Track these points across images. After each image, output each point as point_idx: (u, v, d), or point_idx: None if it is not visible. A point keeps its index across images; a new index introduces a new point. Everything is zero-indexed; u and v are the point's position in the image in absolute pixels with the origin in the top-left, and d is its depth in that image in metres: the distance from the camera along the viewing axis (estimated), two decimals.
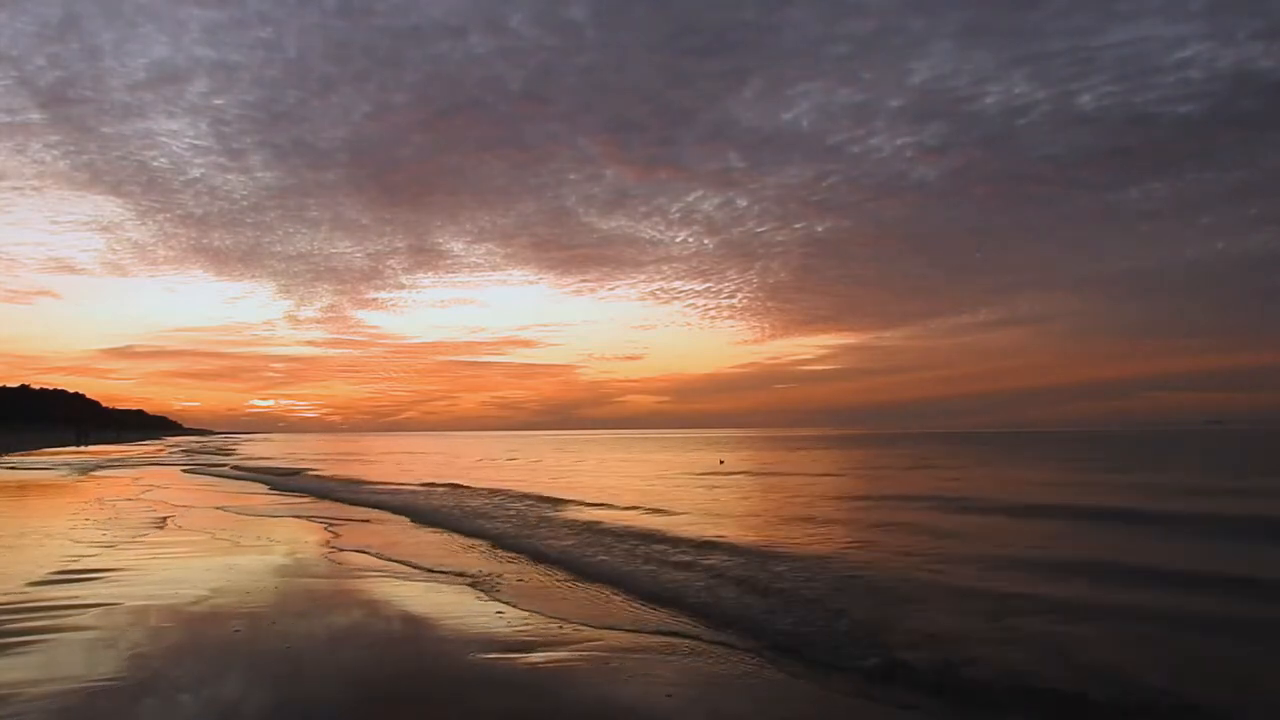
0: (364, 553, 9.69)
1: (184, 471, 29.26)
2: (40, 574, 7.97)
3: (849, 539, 10.18)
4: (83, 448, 57.03)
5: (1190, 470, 25.21)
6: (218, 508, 15.17)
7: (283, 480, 23.27)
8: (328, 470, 28.35)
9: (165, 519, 13.09)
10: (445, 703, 4.46)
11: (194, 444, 79.30)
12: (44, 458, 39.31)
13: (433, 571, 8.43)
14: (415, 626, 6.14)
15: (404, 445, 74.34)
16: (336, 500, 17.16)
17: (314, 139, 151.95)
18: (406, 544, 10.51)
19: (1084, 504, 14.48)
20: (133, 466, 32.08)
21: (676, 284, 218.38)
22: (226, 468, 31.08)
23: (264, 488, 21.22)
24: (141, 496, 17.53)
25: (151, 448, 64.29)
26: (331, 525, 12.61)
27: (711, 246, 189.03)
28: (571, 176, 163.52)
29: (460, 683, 4.77)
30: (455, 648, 5.51)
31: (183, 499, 17.01)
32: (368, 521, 13.25)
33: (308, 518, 13.68)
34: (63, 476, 24.76)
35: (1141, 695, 4.32)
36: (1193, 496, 15.65)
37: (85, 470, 28.13)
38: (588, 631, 5.94)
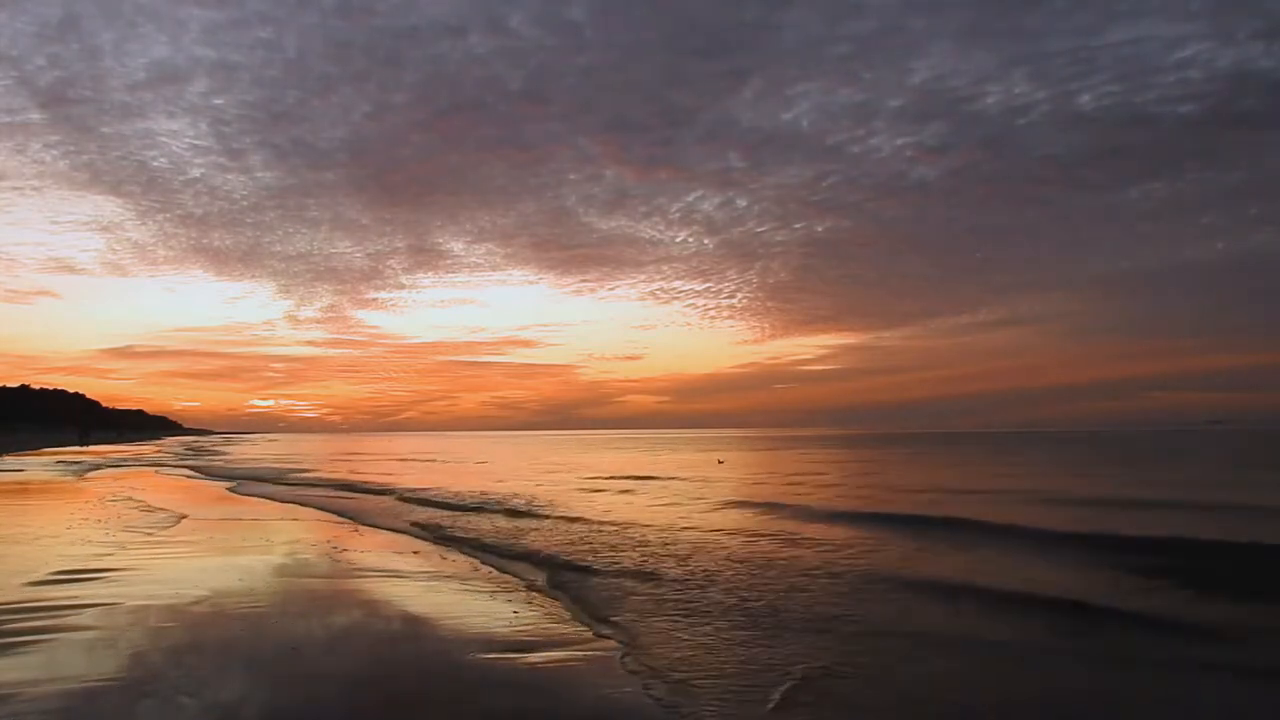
0: (313, 545, 10.72)
1: (157, 472, 30.42)
2: (39, 574, 7.99)
3: (657, 545, 10.88)
4: (85, 447, 57.08)
5: (1136, 476, 25.10)
6: (183, 513, 16.09)
7: (249, 485, 24.51)
8: (304, 473, 29.67)
9: (154, 521, 13.43)
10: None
11: (189, 445, 79.85)
12: (44, 457, 39.33)
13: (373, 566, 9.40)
14: (350, 600, 7.15)
15: (395, 447, 75.89)
16: (292, 502, 18.44)
17: (314, 139, 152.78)
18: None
19: (946, 514, 14.38)
20: (125, 466, 32.67)
21: (676, 284, 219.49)
22: (209, 470, 32.28)
23: (224, 487, 22.79)
24: (126, 497, 18.47)
25: (149, 448, 64.69)
26: (282, 522, 13.64)
27: (711, 246, 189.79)
28: (571, 176, 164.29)
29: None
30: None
31: (162, 501, 17.83)
32: (329, 523, 14.37)
33: (262, 519, 14.77)
34: (57, 477, 25.11)
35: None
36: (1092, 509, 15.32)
37: (80, 471, 28.42)
38: None
